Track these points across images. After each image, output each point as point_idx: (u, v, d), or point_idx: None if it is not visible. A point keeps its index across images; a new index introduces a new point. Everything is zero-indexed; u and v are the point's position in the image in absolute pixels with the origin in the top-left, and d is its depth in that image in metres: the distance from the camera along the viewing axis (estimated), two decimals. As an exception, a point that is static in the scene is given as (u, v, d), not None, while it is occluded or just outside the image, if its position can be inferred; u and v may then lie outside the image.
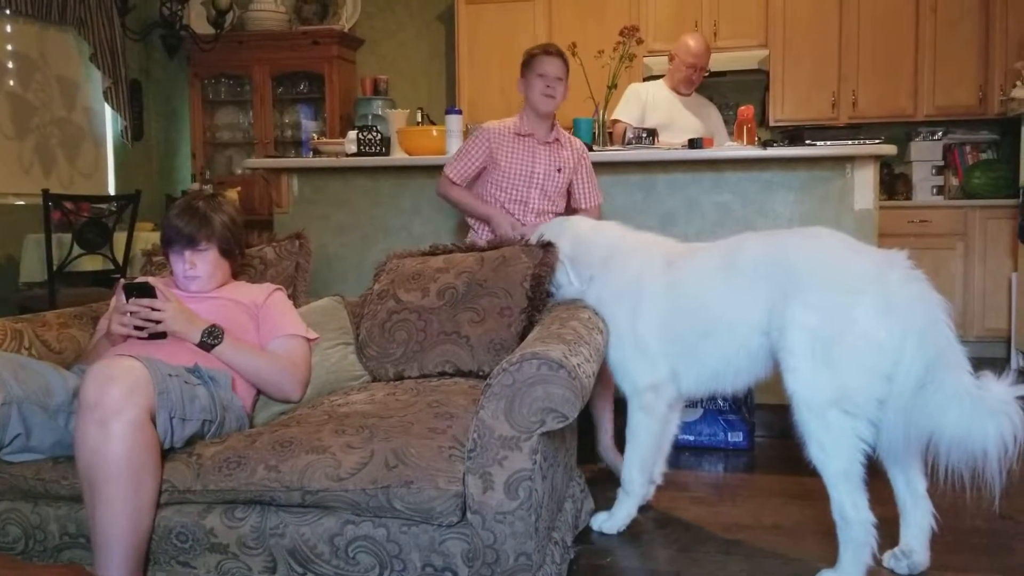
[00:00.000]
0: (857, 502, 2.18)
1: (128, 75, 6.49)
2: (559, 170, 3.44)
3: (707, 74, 4.69)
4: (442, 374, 2.56)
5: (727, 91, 6.13)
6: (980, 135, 5.86)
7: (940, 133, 5.91)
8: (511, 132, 3.43)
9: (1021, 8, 5.45)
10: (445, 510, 1.85)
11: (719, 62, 5.89)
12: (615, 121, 4.54)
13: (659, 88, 4.67)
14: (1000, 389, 2.06)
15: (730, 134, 4.64)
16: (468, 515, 1.86)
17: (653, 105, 4.56)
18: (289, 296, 2.70)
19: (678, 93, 4.62)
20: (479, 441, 1.87)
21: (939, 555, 2.52)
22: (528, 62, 3.44)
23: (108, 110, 6.45)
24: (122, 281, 2.37)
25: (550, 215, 3.42)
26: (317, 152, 4.35)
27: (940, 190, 5.83)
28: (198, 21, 6.50)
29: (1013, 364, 5.22)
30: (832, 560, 2.30)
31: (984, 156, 5.86)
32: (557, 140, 3.50)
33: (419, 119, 4.66)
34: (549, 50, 3.42)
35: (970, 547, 2.61)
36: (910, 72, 5.61)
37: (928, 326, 2.12)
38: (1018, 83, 5.11)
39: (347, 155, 4.09)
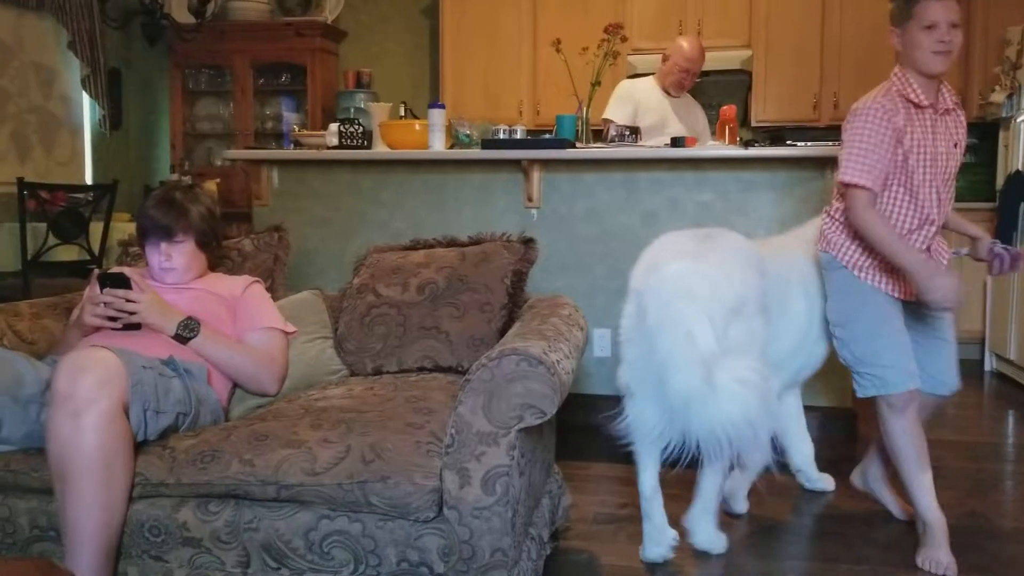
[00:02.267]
0: None
1: (107, 63, 6.41)
2: (956, 145, 2.62)
3: (698, 79, 4.71)
4: (421, 369, 2.55)
5: (710, 90, 6.13)
6: (959, 139, 5.89)
7: (919, 136, 5.93)
8: (904, 102, 2.53)
9: (1000, 13, 5.49)
10: (421, 505, 1.84)
11: (702, 61, 5.92)
12: (608, 121, 4.54)
13: (651, 87, 4.67)
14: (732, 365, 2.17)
15: (712, 133, 4.65)
16: (445, 510, 1.85)
17: (647, 106, 4.57)
18: (267, 289, 2.67)
19: (668, 94, 4.63)
20: (457, 436, 1.86)
21: (909, 552, 2.54)
22: (905, 8, 2.52)
23: (86, 98, 6.38)
24: (96, 271, 2.34)
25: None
26: (298, 144, 4.32)
27: (919, 193, 5.86)
28: (179, 10, 6.44)
29: (987, 366, 5.27)
30: (805, 555, 2.31)
31: (963, 160, 5.89)
32: (957, 105, 2.66)
33: (402, 113, 4.64)
34: None
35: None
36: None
37: None
38: (997, 87, 5.16)
39: (328, 148, 4.07)
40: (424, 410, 2.09)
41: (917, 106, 2.51)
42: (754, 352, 2.32)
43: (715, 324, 2.23)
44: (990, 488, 3.21)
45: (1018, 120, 4.89)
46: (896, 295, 2.56)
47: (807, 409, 3.04)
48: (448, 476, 1.85)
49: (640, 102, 4.57)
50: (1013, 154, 4.98)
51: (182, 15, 6.37)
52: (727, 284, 2.31)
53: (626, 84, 4.73)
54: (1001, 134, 5.22)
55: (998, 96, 5.11)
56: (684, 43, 4.58)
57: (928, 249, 2.58)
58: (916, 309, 2.56)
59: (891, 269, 2.52)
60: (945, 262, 2.63)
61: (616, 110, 4.58)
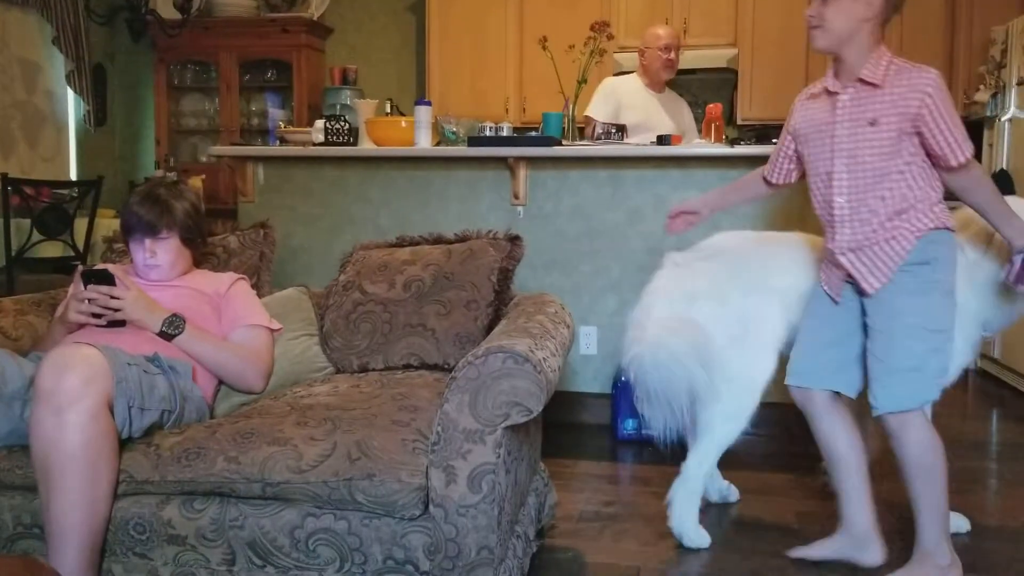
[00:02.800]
0: None
1: (91, 59, 6.38)
2: (872, 124, 2.27)
3: (678, 71, 4.71)
4: (407, 367, 2.55)
5: (696, 89, 6.16)
6: (943, 138, 5.92)
7: (904, 135, 5.97)
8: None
9: (985, 14, 5.53)
10: (407, 503, 1.84)
11: (689, 60, 5.92)
12: (589, 118, 4.54)
13: (634, 85, 4.67)
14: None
15: (699, 132, 4.66)
16: (431, 508, 1.85)
17: (629, 103, 4.57)
18: (253, 286, 2.66)
19: (652, 90, 4.64)
20: (443, 434, 1.86)
21: (894, 551, 2.55)
22: None
23: (71, 94, 6.34)
24: (80, 268, 2.32)
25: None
26: (284, 141, 4.31)
27: (903, 191, 5.89)
28: (164, 6, 6.41)
29: (971, 365, 5.30)
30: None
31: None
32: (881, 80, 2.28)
33: (388, 110, 4.63)
34: None
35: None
36: (876, 74, 5.66)
37: None
38: (981, 87, 5.19)
39: (314, 144, 4.05)
40: (410, 408, 2.09)
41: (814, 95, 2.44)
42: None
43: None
44: (975, 486, 3.23)
45: (1002, 119, 4.92)
46: (824, 286, 2.49)
47: (767, 406, 2.73)
48: (434, 474, 1.85)
49: (622, 100, 4.57)
50: (997, 153, 5.01)
51: (167, 10, 6.34)
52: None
53: (609, 81, 4.74)
54: (986, 133, 5.25)
55: (983, 95, 5.14)
56: (657, 28, 4.61)
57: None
58: (866, 319, 2.40)
59: (822, 259, 2.51)
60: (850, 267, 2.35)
61: (598, 107, 4.58)
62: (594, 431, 3.85)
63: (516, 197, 3.92)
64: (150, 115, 6.97)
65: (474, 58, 6.32)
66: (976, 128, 5.46)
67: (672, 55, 4.58)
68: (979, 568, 2.49)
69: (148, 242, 2.42)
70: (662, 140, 3.84)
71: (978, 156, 5.34)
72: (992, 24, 5.20)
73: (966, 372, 5.21)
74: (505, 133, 3.97)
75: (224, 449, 1.94)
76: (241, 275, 2.61)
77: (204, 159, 6.70)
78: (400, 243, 2.83)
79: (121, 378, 1.96)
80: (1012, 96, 4.81)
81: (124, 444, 2.00)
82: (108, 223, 5.25)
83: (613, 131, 3.99)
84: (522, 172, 3.88)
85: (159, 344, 2.24)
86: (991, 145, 5.14)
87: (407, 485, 1.84)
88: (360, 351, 2.58)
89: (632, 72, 4.81)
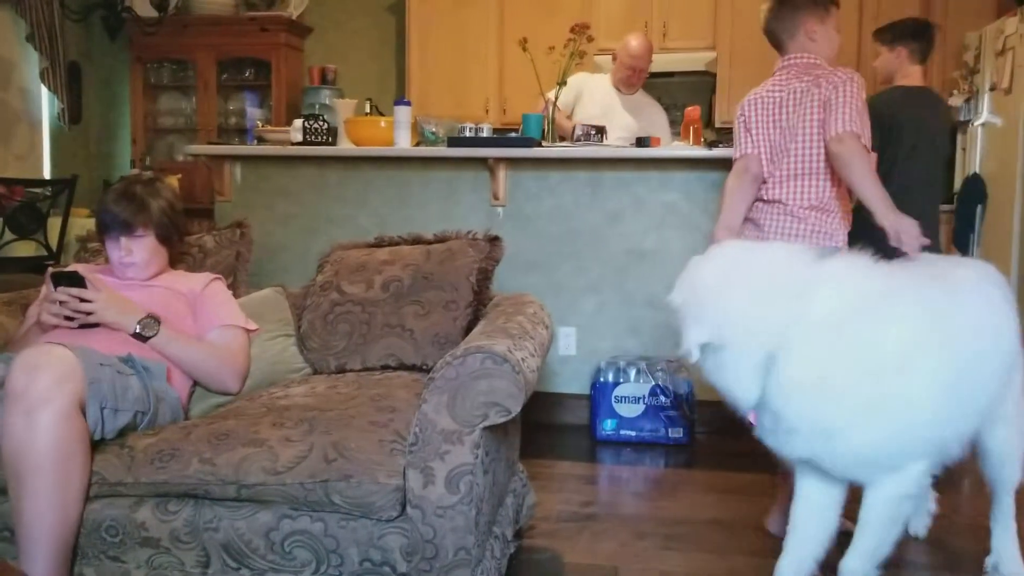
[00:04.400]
0: None
1: (66, 56, 6.31)
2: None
3: (648, 75, 4.72)
4: (385, 367, 2.53)
5: (675, 91, 6.18)
6: (919, 142, 5.98)
7: (880, 139, 6.02)
8: None
9: (959, 20, 5.58)
10: (385, 504, 1.83)
11: (668, 63, 5.95)
12: (545, 98, 4.49)
13: (602, 83, 4.70)
14: None
15: (677, 134, 4.67)
16: (408, 509, 1.84)
17: (590, 98, 4.59)
18: (229, 286, 2.64)
19: (621, 91, 4.65)
20: (421, 435, 1.85)
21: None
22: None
23: (45, 92, 6.26)
24: (50, 270, 2.29)
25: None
26: (262, 140, 4.28)
27: (880, 194, 5.93)
28: (141, 3, 6.35)
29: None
30: (767, 553, 2.33)
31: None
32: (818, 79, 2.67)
33: (368, 110, 4.61)
34: None
35: (900, 542, 2.66)
36: (853, 78, 5.70)
37: None
38: (955, 92, 5.24)
39: (292, 144, 4.03)
40: (388, 408, 2.07)
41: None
42: None
43: None
44: (949, 486, 3.26)
45: (976, 124, 4.97)
46: None
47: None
48: (412, 475, 1.84)
49: (583, 93, 4.58)
50: (971, 157, 5.06)
51: (144, 8, 6.28)
52: None
53: (579, 75, 4.68)
54: (959, 137, 5.30)
55: (956, 100, 5.19)
56: (631, 40, 4.61)
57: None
58: None
59: None
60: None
61: (557, 93, 4.51)
62: (573, 432, 3.85)
63: (496, 198, 3.92)
64: (126, 114, 6.90)
65: (454, 59, 6.31)
66: (950, 133, 5.52)
67: (633, 76, 4.61)
68: (954, 566, 2.51)
69: (124, 240, 2.39)
70: (641, 142, 3.85)
71: (952, 160, 5.42)
72: (966, 30, 5.26)
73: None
74: (485, 134, 3.97)
75: (199, 450, 1.92)
76: (217, 275, 2.58)
77: (181, 158, 6.63)
78: (379, 243, 2.81)
79: (94, 379, 1.93)
80: (985, 101, 4.86)
81: (97, 446, 1.98)
82: (82, 222, 5.19)
83: (592, 133, 3.99)
84: (502, 173, 3.88)
85: (133, 344, 2.21)
86: (964, 150, 5.19)
87: (384, 486, 1.83)
88: (338, 352, 2.56)
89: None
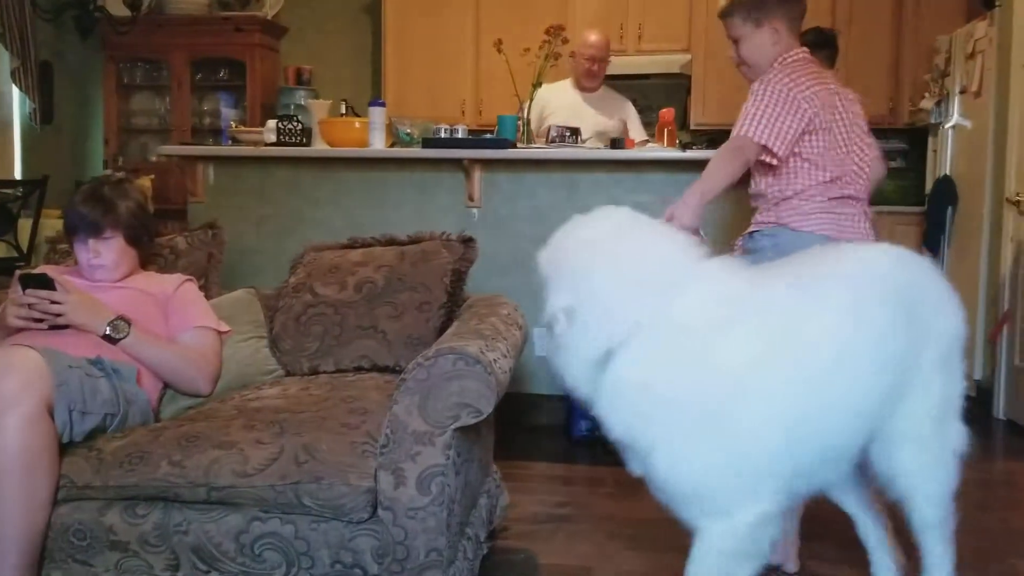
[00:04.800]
0: None
1: (38, 56, 6.23)
2: None
3: (607, 66, 4.74)
4: (358, 369, 2.53)
5: (650, 93, 6.21)
6: (891, 144, 6.05)
7: (853, 141, 6.08)
8: None
9: (930, 23, 5.65)
10: (355, 506, 1.82)
11: (643, 65, 5.98)
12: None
13: (563, 87, 4.72)
14: None
15: (651, 136, 4.69)
16: (379, 511, 1.84)
17: (556, 104, 4.61)
18: (201, 288, 2.62)
19: (583, 90, 4.66)
20: (392, 436, 1.85)
21: (840, 549, 2.59)
22: None
23: (16, 91, 6.19)
24: (18, 272, 2.27)
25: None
26: (236, 141, 4.25)
27: (852, 196, 5.99)
28: (114, 3, 6.29)
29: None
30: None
31: (894, 165, 6.06)
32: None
33: (343, 111, 4.59)
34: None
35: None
36: (826, 81, 5.74)
37: None
38: (926, 95, 5.30)
39: (266, 144, 4.01)
40: (360, 410, 2.07)
41: None
42: None
43: None
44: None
45: (946, 126, 5.03)
46: None
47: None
48: (383, 476, 1.84)
49: (547, 105, 4.59)
50: (941, 159, 5.12)
51: (117, 8, 6.23)
52: None
53: (538, 94, 4.64)
54: (930, 140, 5.36)
55: (927, 103, 5.25)
56: (588, 33, 4.65)
57: None
58: None
59: None
60: None
61: (533, 95, 4.51)
62: (549, 433, 3.85)
63: (471, 199, 3.92)
64: (99, 114, 6.83)
65: (430, 60, 6.30)
66: (921, 135, 5.58)
67: (594, 66, 4.62)
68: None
69: (92, 242, 2.36)
70: (616, 144, 3.86)
71: (922, 163, 5.48)
72: (937, 34, 5.31)
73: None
74: (460, 135, 3.96)
75: (168, 453, 1.91)
76: (189, 276, 2.56)
77: (154, 159, 6.58)
78: (352, 245, 2.80)
79: (62, 381, 1.92)
80: (955, 104, 4.91)
81: (65, 448, 1.96)
82: (53, 223, 5.13)
83: (567, 134, 4.00)
84: (477, 174, 3.88)
85: (102, 346, 2.19)
86: (935, 152, 5.25)
87: (355, 488, 1.82)
88: (310, 353, 2.55)
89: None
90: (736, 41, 2.56)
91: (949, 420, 1.89)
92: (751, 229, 2.60)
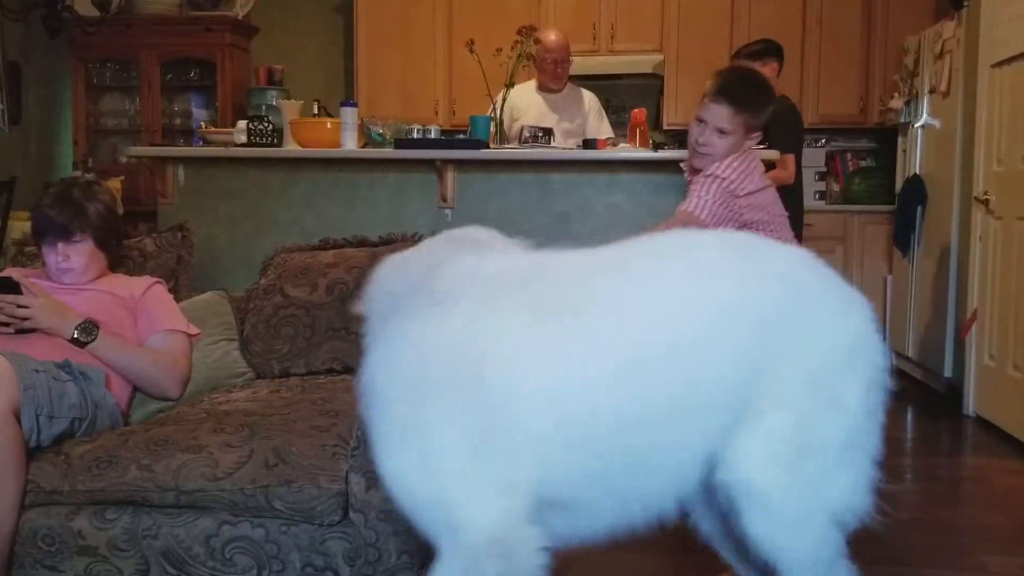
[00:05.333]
0: None
1: (6, 57, 6.15)
2: None
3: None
4: (330, 371, 2.52)
5: (623, 93, 6.23)
6: (860, 143, 6.12)
7: (823, 140, 6.15)
8: None
9: (899, 24, 5.71)
10: (326, 509, 1.82)
11: (615, 65, 6.00)
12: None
13: (528, 89, 4.71)
14: None
15: (623, 136, 4.70)
16: (350, 514, 1.84)
17: (521, 107, 4.60)
18: (170, 290, 2.60)
19: (549, 91, 4.66)
20: (363, 438, 1.84)
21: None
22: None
23: (-17, 92, 6.11)
24: (-17, 276, 2.24)
25: None
26: (206, 142, 4.22)
27: (823, 195, 6.06)
28: (82, 3, 6.22)
29: (888, 363, 5.46)
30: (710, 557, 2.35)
31: (864, 164, 6.13)
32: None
33: (315, 111, 4.57)
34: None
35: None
36: (796, 81, 5.80)
37: None
38: (895, 95, 5.36)
39: (236, 145, 3.98)
40: (331, 412, 2.06)
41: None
42: None
43: None
44: (891, 480, 3.33)
45: (915, 126, 5.08)
46: None
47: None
48: (354, 479, 1.83)
49: (515, 108, 4.58)
50: (911, 159, 5.18)
51: (85, 8, 6.15)
52: None
53: (509, 93, 4.63)
54: (900, 139, 5.42)
55: (896, 102, 5.30)
56: (548, 35, 4.62)
57: None
58: None
59: None
60: None
61: (506, 96, 4.53)
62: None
63: (444, 200, 3.91)
64: (68, 115, 6.75)
65: (403, 60, 6.29)
66: (890, 134, 5.64)
67: (558, 68, 4.62)
68: (895, 559, 2.56)
69: (60, 245, 2.34)
70: (588, 144, 3.87)
71: (892, 162, 5.54)
72: (906, 34, 5.37)
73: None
74: (433, 136, 3.96)
75: (137, 457, 1.90)
76: (158, 279, 2.54)
77: (124, 160, 6.51)
78: (324, 246, 2.79)
79: (28, 385, 1.90)
80: (924, 103, 4.97)
81: (32, 453, 1.94)
82: (21, 225, 5.07)
83: (540, 135, 4.00)
84: (450, 175, 3.88)
85: (71, 350, 2.17)
86: (905, 151, 5.30)
87: (326, 491, 1.82)
88: (281, 356, 2.54)
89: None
90: (722, 132, 2.56)
91: (816, 463, 1.45)
92: None
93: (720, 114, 2.54)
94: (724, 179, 2.54)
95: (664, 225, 2.54)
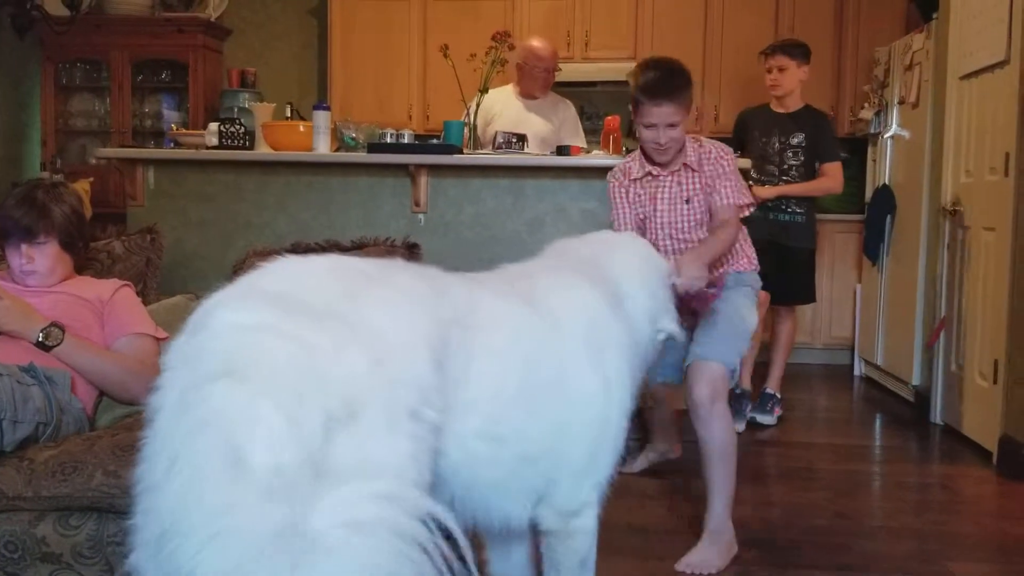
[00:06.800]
0: None
1: (-29, 55, 6.07)
2: (687, 201, 2.77)
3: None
4: (301, 375, 2.49)
5: (596, 100, 6.26)
6: (831, 153, 6.17)
7: (796, 149, 6.19)
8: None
9: (870, 35, 5.78)
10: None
11: (589, 72, 6.02)
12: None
13: (506, 95, 4.71)
14: None
15: (597, 143, 4.72)
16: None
17: (498, 111, 4.61)
18: (138, 293, 2.57)
19: (530, 98, 4.66)
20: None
21: (780, 553, 2.64)
22: (634, 105, 2.76)
23: (-52, 91, 6.02)
24: (-53, 278, 2.20)
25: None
26: (177, 144, 4.18)
27: (795, 204, 6.09)
28: (52, 2, 6.15)
29: (856, 371, 5.53)
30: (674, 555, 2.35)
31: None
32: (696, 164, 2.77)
33: (288, 114, 4.55)
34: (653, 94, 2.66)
35: (811, 545, 2.74)
36: (766, 90, 5.83)
37: None
38: (866, 105, 5.42)
39: (208, 147, 3.95)
40: (301, 417, 2.04)
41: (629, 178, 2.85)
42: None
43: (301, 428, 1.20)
44: (858, 489, 3.36)
45: (885, 136, 5.15)
46: None
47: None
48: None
49: (491, 111, 4.59)
50: (880, 168, 5.24)
51: (55, 7, 6.08)
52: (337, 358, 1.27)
53: (483, 100, 4.62)
54: (870, 149, 5.49)
55: (867, 113, 5.37)
56: (537, 44, 4.62)
57: None
58: None
59: None
60: None
61: (480, 101, 4.53)
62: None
63: (417, 204, 3.90)
64: (36, 115, 6.67)
65: (378, 64, 6.27)
66: (861, 144, 5.70)
67: (550, 76, 4.65)
68: (862, 567, 2.58)
69: (25, 247, 2.30)
70: (562, 151, 3.88)
71: (862, 172, 5.60)
72: (876, 45, 5.44)
73: (852, 378, 5.43)
74: (406, 140, 3.95)
75: (103, 462, 1.87)
76: (126, 282, 2.51)
77: (93, 161, 6.44)
78: (295, 249, 2.76)
79: (-9, 389, 1.86)
80: (894, 114, 5.03)
81: (-6, 459, 1.90)
82: (-13, 227, 4.99)
83: (514, 140, 4.01)
84: (423, 180, 3.87)
85: (36, 354, 2.14)
86: (875, 161, 5.37)
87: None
88: (252, 360, 2.51)
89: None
90: (672, 126, 2.66)
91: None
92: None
93: (665, 112, 2.63)
94: (726, 152, 2.75)
95: (723, 226, 2.68)
